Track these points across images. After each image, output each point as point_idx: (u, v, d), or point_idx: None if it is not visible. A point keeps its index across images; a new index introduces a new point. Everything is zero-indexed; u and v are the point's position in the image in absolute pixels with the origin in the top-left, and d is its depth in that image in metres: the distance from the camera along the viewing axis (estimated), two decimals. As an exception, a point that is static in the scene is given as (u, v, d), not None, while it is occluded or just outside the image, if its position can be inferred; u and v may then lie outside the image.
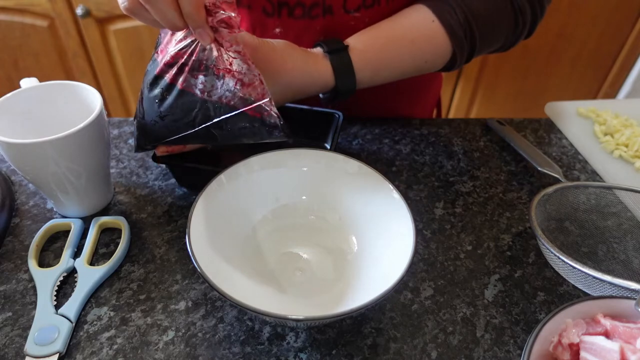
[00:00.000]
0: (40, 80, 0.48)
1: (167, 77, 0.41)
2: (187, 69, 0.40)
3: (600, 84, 1.50)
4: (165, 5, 0.33)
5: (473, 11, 0.52)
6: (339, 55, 0.50)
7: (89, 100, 0.47)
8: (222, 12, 0.36)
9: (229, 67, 0.38)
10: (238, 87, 0.38)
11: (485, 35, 0.53)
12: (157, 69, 0.42)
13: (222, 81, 0.39)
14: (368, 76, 0.52)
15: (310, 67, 0.48)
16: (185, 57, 0.40)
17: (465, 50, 0.54)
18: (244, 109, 0.39)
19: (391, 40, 0.52)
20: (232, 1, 0.37)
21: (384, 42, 0.51)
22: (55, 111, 0.48)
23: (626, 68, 1.44)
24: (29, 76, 0.48)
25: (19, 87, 0.47)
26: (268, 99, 0.38)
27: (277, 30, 0.57)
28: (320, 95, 0.53)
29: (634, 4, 1.31)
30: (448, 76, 1.39)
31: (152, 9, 0.34)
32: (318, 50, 0.50)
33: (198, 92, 0.40)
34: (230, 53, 0.39)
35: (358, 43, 0.51)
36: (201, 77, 0.40)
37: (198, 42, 0.39)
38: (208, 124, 0.41)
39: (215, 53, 0.39)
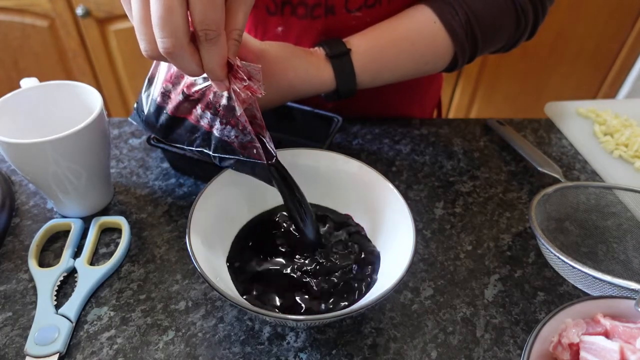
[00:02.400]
0: (40, 80, 0.48)
1: (170, 106, 0.41)
2: (200, 104, 0.39)
3: (600, 84, 1.50)
4: (188, 60, 0.33)
5: (475, 12, 0.51)
6: (341, 60, 0.49)
7: (89, 100, 0.47)
8: (246, 82, 0.35)
9: (236, 118, 0.38)
10: (238, 140, 0.38)
11: (487, 36, 0.53)
12: (159, 98, 0.41)
13: (224, 127, 0.38)
14: (369, 79, 0.52)
15: (312, 74, 0.48)
16: (194, 90, 0.39)
17: (466, 52, 0.54)
18: (237, 157, 0.39)
19: (392, 42, 0.52)
20: (260, 78, 0.37)
21: (385, 44, 0.51)
22: (55, 111, 0.48)
23: (626, 68, 1.44)
24: (29, 76, 0.48)
25: (19, 87, 0.47)
26: (265, 161, 0.39)
27: (279, 29, 0.57)
28: (322, 95, 0.53)
29: (634, 4, 1.31)
30: (448, 76, 1.39)
31: (175, 63, 0.33)
32: (320, 52, 0.50)
33: (204, 125, 0.40)
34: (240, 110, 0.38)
35: (360, 45, 0.51)
36: (208, 114, 0.39)
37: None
38: (204, 150, 0.41)
39: (224, 102, 0.38)
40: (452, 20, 0.51)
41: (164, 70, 0.41)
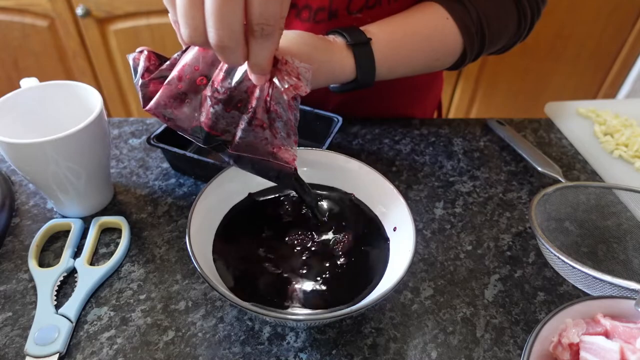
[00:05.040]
0: (40, 80, 0.48)
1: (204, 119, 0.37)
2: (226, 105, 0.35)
3: (600, 84, 1.50)
4: (238, 55, 0.30)
5: (484, 10, 0.52)
6: (362, 49, 0.48)
7: (89, 100, 0.47)
8: (294, 81, 0.32)
9: (266, 121, 0.34)
10: (266, 142, 0.35)
11: (494, 34, 0.54)
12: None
13: (252, 128, 0.35)
14: (386, 70, 0.51)
15: (335, 65, 0.47)
16: (219, 85, 0.35)
17: (475, 49, 0.54)
18: (264, 159, 0.36)
19: (409, 36, 0.51)
20: (309, 77, 0.34)
21: (402, 37, 0.51)
22: (55, 111, 0.48)
23: (626, 68, 1.44)
24: (29, 76, 0.48)
25: (19, 87, 0.47)
26: (294, 169, 0.36)
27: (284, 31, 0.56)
28: (330, 86, 0.51)
29: (634, 4, 1.30)
30: (448, 76, 1.39)
31: (222, 56, 0.30)
32: (339, 40, 0.48)
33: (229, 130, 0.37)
34: (277, 108, 0.35)
35: (379, 36, 0.49)
36: (235, 113, 0.35)
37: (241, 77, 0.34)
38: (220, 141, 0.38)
39: (255, 102, 0.34)
40: (464, 17, 0.52)
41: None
